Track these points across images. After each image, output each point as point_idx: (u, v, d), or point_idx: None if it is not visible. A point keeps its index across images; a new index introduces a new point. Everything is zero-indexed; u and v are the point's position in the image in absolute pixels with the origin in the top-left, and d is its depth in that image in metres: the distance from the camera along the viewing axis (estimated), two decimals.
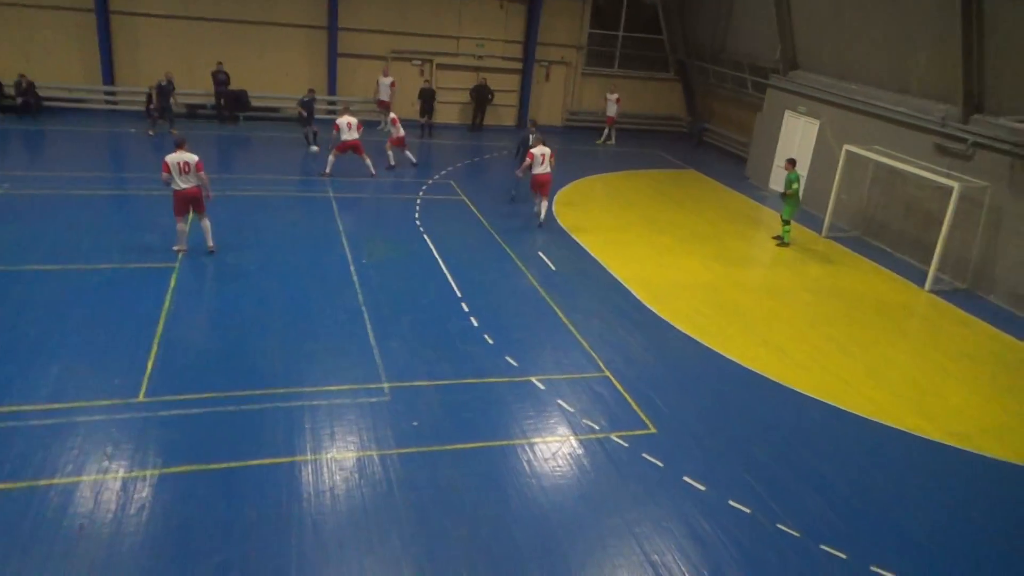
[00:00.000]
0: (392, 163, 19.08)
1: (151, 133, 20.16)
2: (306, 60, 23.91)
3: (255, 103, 23.16)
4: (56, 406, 8.05)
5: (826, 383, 10.21)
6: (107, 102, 22.50)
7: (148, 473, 7.17)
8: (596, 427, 8.66)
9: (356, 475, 7.42)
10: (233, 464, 7.39)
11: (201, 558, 6.21)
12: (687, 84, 27.73)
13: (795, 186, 15.58)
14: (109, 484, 6.97)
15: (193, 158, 11.84)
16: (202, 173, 12.01)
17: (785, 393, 9.90)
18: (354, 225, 14.67)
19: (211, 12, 22.59)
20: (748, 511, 7.41)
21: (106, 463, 7.23)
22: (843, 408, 9.62)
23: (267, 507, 6.85)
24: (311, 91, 20.60)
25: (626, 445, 8.35)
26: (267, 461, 7.49)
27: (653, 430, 8.70)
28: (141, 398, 8.35)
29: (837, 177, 16.87)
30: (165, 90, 20.32)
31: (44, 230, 12.93)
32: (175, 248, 12.27)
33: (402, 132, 18.79)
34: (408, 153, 19.45)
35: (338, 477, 7.36)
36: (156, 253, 12.29)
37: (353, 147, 17.26)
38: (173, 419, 8.04)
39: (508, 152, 21.66)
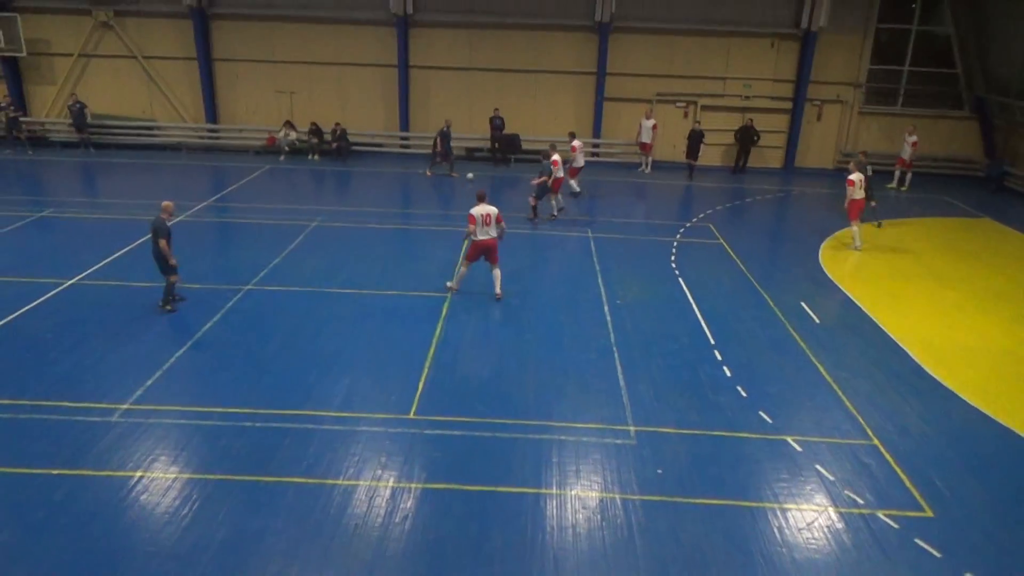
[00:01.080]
0: (577, 189, 20.15)
1: (428, 174, 22.38)
2: (573, 104, 25.08)
3: (526, 146, 24.72)
4: (344, 414, 9.19)
5: None
6: (401, 146, 25.45)
7: (413, 486, 7.88)
8: (860, 501, 7.87)
9: (598, 516, 7.50)
10: (486, 488, 7.86)
11: (449, 575, 6.67)
12: (985, 122, 24.53)
13: None
14: (381, 491, 7.77)
15: (494, 210, 12.62)
16: (502, 224, 12.82)
17: None
18: (610, 265, 14.96)
19: (491, 62, 24.65)
20: None
21: (379, 472, 8.08)
22: None
23: (513, 534, 7.17)
24: (447, 122, 22.29)
25: (896, 526, 7.48)
26: (516, 489, 7.86)
27: (930, 513, 7.70)
28: (412, 415, 9.22)
29: None
30: (446, 135, 22.50)
31: (345, 258, 14.89)
32: (448, 285, 13.30)
33: (581, 163, 20.17)
34: (572, 182, 20.10)
35: (581, 516, 7.49)
36: (433, 283, 13.55)
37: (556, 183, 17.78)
38: (437, 438, 8.76)
39: (772, 196, 20.72)
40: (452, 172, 22.39)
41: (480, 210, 12.57)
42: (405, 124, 25.22)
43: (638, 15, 23.88)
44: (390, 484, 7.89)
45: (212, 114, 25.32)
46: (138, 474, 7.91)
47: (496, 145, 24.47)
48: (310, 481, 7.89)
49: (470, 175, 20.11)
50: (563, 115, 25.08)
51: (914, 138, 22.52)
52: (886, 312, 12.98)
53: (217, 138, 25.46)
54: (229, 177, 21.96)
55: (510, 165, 24.31)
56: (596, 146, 25.04)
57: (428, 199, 20.50)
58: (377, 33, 24.39)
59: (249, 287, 13.09)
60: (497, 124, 24.20)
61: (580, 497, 7.78)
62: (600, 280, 14.07)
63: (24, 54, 24.19)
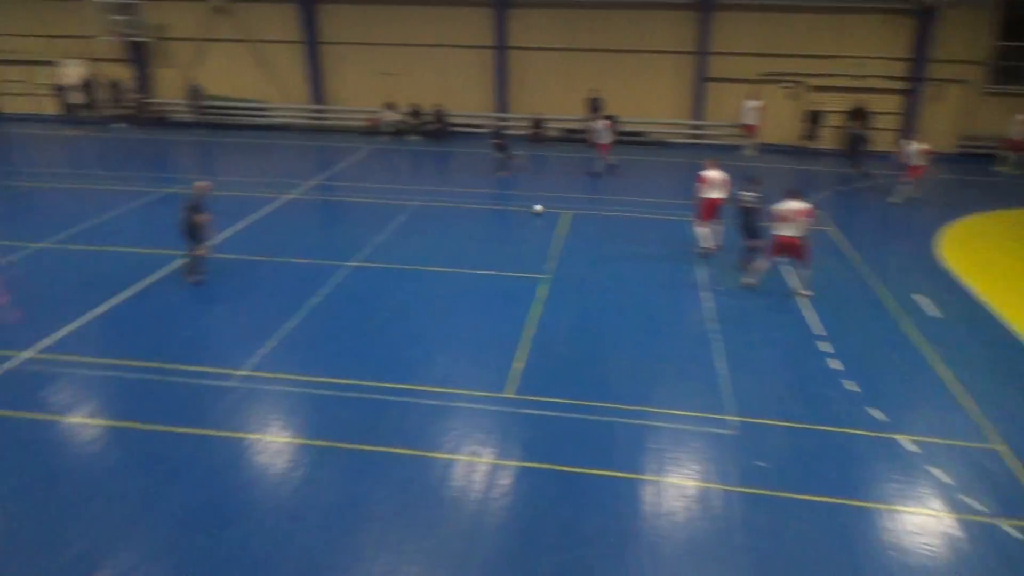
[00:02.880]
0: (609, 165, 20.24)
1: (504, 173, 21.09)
2: (673, 85, 24.53)
3: (623, 128, 24.40)
4: (442, 390, 9.40)
5: None
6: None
7: (509, 463, 8.00)
8: (981, 508, 7.45)
9: (697, 505, 7.41)
10: (580, 470, 7.89)
11: (544, 553, 6.75)
12: None
13: None
14: (478, 467, 7.93)
15: (802, 206, 11.97)
16: (806, 220, 11.97)
17: None
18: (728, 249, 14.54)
19: (589, 43, 24.39)
20: None
21: (477, 448, 8.24)
22: None
23: (607, 518, 7.18)
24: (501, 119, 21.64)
25: (1021, 537, 7.06)
26: (611, 473, 7.85)
27: None
28: (508, 394, 9.35)
29: None
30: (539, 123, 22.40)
31: (444, 238, 15.16)
32: (745, 282, 12.65)
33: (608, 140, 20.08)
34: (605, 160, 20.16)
35: (678, 504, 7.42)
36: (529, 264, 13.62)
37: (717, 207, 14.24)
38: (532, 418, 8.85)
39: (883, 180, 19.69)
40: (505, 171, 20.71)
41: (786, 206, 12.00)
42: (503, 105, 25.34)
43: None
44: (487, 461, 8.03)
45: (318, 95, 26.17)
46: (254, 436, 8.37)
47: None
48: (409, 453, 8.13)
49: (538, 207, 16.85)
50: (662, 96, 24.59)
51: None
52: (1014, 308, 12.16)
53: (323, 119, 26.32)
54: (333, 157, 22.70)
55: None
56: (697, 127, 24.43)
57: (523, 180, 20.56)
58: (476, 15, 24.55)
59: (354, 264, 13.53)
60: (595, 106, 23.97)
61: (678, 485, 7.70)
62: (700, 266, 13.78)
63: (149, 39, 25.67)
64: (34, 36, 26.79)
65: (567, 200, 17.82)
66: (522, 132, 24.61)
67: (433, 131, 24.68)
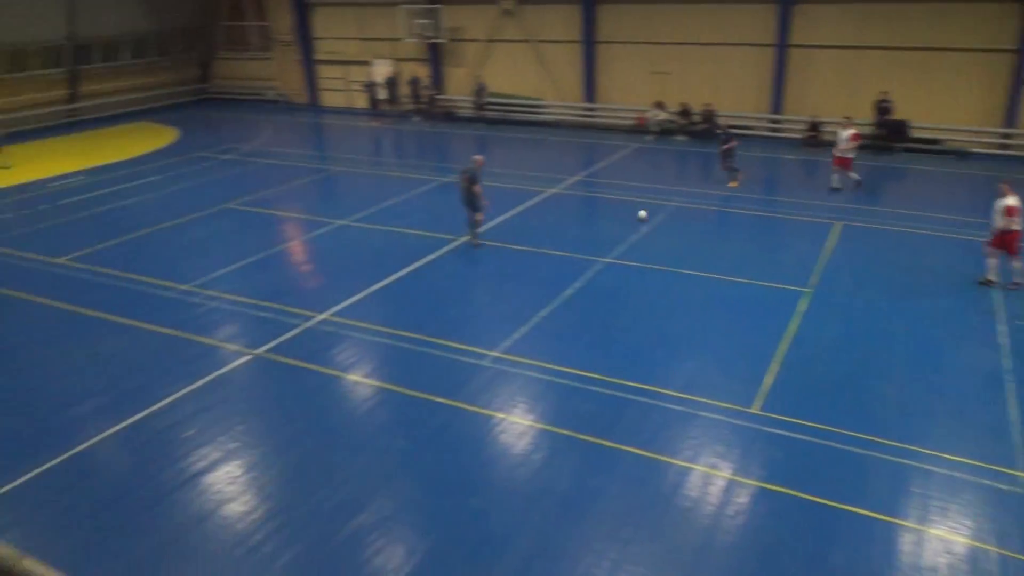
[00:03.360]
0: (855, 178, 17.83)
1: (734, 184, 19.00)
2: (981, 87, 21.41)
3: (916, 134, 21.91)
4: (685, 396, 9.26)
5: None
6: (771, 129, 24.31)
7: (749, 482, 7.67)
8: None
9: (965, 566, 6.53)
10: (828, 502, 7.33)
11: None
12: None
13: None
14: (715, 480, 7.72)
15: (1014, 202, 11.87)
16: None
17: None
18: (1005, 276, 12.57)
19: (880, 40, 22.14)
20: None
21: (716, 461, 8.01)
22: None
23: (858, 559, 6.60)
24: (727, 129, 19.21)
25: None
26: (864, 512, 7.19)
27: None
28: (755, 410, 8.94)
29: None
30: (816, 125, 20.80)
31: (701, 241, 14.83)
32: (985, 280, 12.39)
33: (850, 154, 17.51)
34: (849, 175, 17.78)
35: (942, 560, 6.60)
36: (790, 275, 12.85)
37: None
38: (780, 438, 8.38)
39: None
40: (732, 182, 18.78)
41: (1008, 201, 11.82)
42: (777, 106, 24.02)
43: None
44: (725, 475, 7.78)
45: (590, 94, 26.87)
46: (501, 415, 8.94)
47: (881, 131, 22.04)
48: (646, 454, 8.13)
49: (642, 213, 15.96)
50: (965, 100, 21.59)
51: None
52: None
53: (592, 116, 26.97)
54: (598, 154, 23.20)
55: (893, 154, 21.75)
56: (1006, 136, 21.15)
57: (795, 187, 19.36)
58: (757, 12, 23.47)
59: (608, 260, 13.78)
60: (884, 108, 21.77)
61: (944, 539, 6.85)
62: (994, 295, 12.00)
63: (444, 40, 28.18)
64: (353, 39, 30.73)
65: (839, 210, 16.47)
66: (796, 135, 23.15)
67: (701, 131, 24.14)
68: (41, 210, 17.97)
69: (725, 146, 18.71)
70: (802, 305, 11.73)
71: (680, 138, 24.57)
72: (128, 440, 8.73)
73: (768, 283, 12.64)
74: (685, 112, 24.56)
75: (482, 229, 14.69)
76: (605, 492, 7.55)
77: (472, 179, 14.26)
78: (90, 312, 12.09)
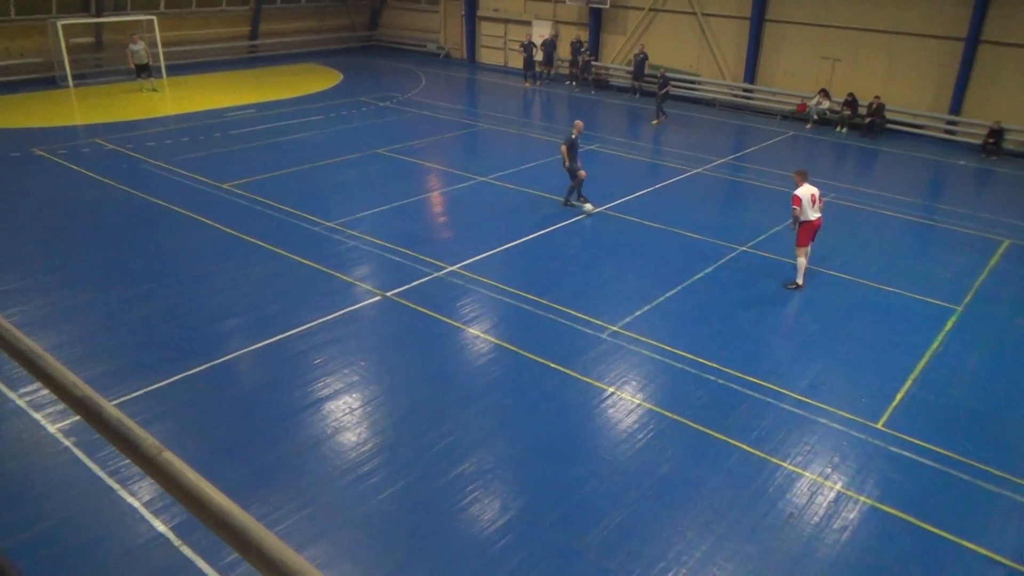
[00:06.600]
0: None
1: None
2: None
3: None
4: (806, 399, 8.89)
5: None
6: (946, 132, 22.33)
7: (861, 499, 7.32)
8: None
9: None
10: (946, 534, 6.88)
11: None
12: None
13: None
14: (824, 491, 7.41)
15: (816, 191, 11.45)
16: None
17: None
18: None
19: None
20: None
21: (828, 471, 7.68)
22: None
23: None
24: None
25: None
26: (989, 553, 6.69)
27: None
28: (879, 425, 8.46)
29: None
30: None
31: (848, 242, 13.98)
32: (791, 286, 11.75)
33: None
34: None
35: None
36: (943, 290, 11.94)
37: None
38: (902, 459, 7.91)
39: None
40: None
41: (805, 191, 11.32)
42: (956, 107, 21.97)
43: None
44: (836, 487, 7.46)
45: (751, 74, 25.68)
46: (611, 389, 8.96)
47: None
48: (755, 452, 7.92)
49: (588, 206, 14.76)
50: None
51: None
52: None
53: (749, 98, 25.82)
54: (751, 137, 22.25)
55: None
56: None
57: (964, 196, 17.80)
58: (947, 1, 21.42)
59: (744, 248, 13.31)
60: None
61: None
62: None
63: (607, 6, 27.72)
64: None
65: (1011, 227, 15.00)
66: (974, 140, 21.15)
67: (867, 125, 22.54)
68: (215, 137, 19.50)
69: (661, 91, 23.01)
70: (950, 323, 10.89)
71: (841, 130, 23.10)
72: (264, 358, 9.47)
73: (917, 295, 11.80)
74: (851, 103, 22.99)
75: (610, 204, 14.46)
76: (706, 483, 7.44)
77: (572, 144, 14.43)
78: (245, 237, 13.09)
